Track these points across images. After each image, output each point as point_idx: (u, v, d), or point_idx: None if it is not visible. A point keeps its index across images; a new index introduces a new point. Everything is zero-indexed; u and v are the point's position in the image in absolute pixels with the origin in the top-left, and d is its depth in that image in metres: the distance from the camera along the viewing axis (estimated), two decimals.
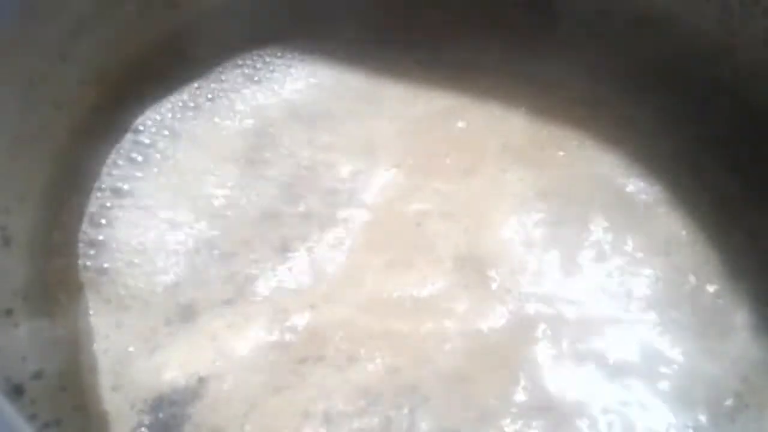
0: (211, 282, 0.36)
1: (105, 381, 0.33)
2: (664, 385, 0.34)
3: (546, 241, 0.38)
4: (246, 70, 0.43)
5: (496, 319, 0.35)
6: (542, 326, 0.35)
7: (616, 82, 0.43)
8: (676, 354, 0.34)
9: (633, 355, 0.34)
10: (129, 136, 0.40)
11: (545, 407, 0.33)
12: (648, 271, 0.37)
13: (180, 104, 0.42)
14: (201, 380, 0.33)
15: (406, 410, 0.33)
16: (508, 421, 0.32)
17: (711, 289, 0.36)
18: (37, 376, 0.31)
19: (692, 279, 0.37)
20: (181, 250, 0.37)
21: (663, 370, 0.34)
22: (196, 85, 0.42)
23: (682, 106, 0.42)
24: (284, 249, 0.37)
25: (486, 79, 0.44)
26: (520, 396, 0.33)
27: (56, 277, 0.35)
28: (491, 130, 0.42)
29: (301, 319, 0.35)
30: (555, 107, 0.42)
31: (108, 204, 0.38)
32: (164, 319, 0.35)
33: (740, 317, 0.36)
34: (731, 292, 0.36)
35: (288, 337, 0.34)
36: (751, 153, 0.40)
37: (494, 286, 0.36)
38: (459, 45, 0.45)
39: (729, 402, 0.33)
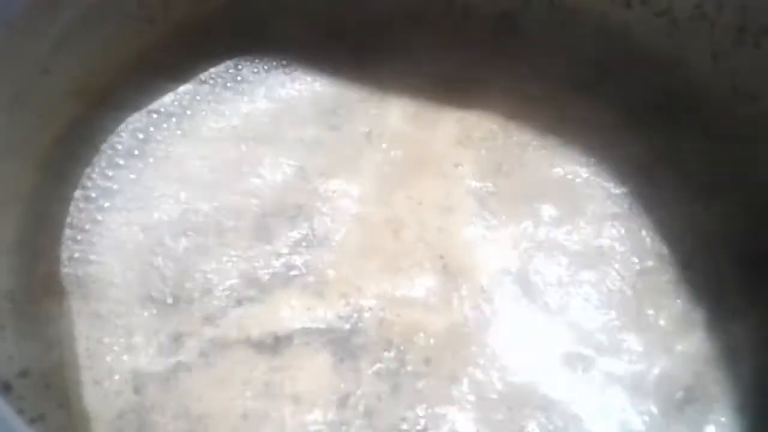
0: (196, 289, 0.38)
1: (86, 377, 0.36)
2: (621, 375, 0.36)
3: (506, 236, 0.40)
4: (227, 80, 0.45)
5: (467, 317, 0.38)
6: (508, 321, 0.38)
7: (577, 89, 0.45)
8: (635, 346, 0.37)
9: (593, 346, 0.37)
10: (111, 145, 0.42)
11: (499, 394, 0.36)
12: (606, 266, 0.39)
13: (161, 113, 0.44)
14: (174, 381, 0.36)
15: None
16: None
17: (670, 288, 0.39)
18: (23, 374, 0.33)
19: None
20: (162, 255, 0.39)
21: (621, 361, 0.37)
22: (176, 94, 0.44)
23: (638, 113, 0.44)
24: (276, 261, 0.39)
25: (454, 87, 0.46)
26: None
27: (40, 281, 0.37)
28: (452, 133, 0.44)
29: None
30: (517, 111, 0.45)
31: (90, 210, 0.40)
32: (145, 322, 0.37)
33: (697, 316, 0.38)
34: (689, 293, 0.39)
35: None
36: (701, 160, 0.42)
37: (469, 285, 0.39)
38: (430, 55, 0.47)
39: (679, 395, 0.36)
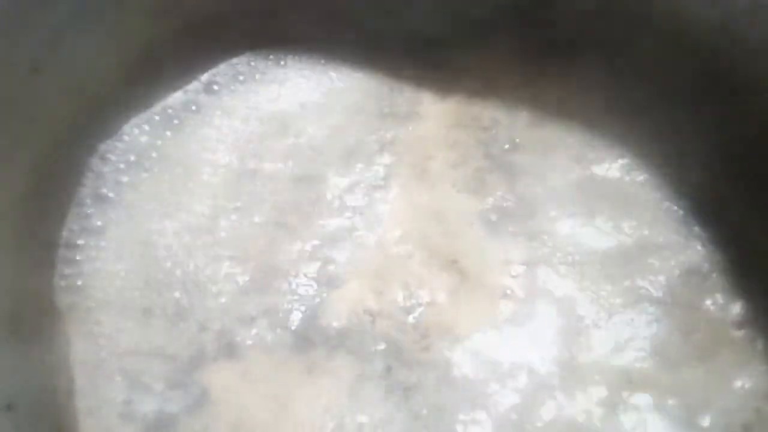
0: (204, 311, 0.35)
1: (81, 405, 0.33)
2: (672, 405, 0.33)
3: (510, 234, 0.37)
4: (237, 77, 0.41)
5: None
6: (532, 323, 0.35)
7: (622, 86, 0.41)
8: (689, 379, 0.34)
9: (641, 376, 0.34)
10: (109, 150, 0.39)
11: None
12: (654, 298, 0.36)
13: (163, 115, 0.40)
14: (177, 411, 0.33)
15: None
16: None
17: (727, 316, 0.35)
18: (10, 407, 0.30)
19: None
20: (161, 271, 0.36)
21: (674, 395, 0.33)
22: (180, 94, 0.41)
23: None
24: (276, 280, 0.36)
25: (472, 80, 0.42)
26: None
27: (31, 301, 0.34)
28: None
29: None
30: (550, 111, 0.41)
31: (87, 221, 0.37)
32: (141, 342, 0.34)
33: (758, 347, 0.34)
34: (748, 322, 0.35)
35: None
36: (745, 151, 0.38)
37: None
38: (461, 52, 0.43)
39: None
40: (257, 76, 0.42)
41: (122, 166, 0.39)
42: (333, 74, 0.42)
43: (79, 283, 0.35)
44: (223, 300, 0.36)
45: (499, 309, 0.35)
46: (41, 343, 0.33)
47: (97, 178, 0.38)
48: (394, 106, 0.41)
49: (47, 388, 0.33)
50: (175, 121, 0.40)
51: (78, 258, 0.36)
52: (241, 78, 0.42)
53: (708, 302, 0.35)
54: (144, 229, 0.37)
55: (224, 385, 0.34)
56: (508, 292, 0.36)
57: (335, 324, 0.35)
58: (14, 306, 0.33)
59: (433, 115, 0.41)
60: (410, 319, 0.35)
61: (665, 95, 0.40)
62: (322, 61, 0.42)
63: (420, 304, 0.36)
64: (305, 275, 0.36)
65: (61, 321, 0.34)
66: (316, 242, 0.37)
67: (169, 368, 0.34)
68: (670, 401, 0.33)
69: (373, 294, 0.36)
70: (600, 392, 0.33)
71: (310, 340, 0.35)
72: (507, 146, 0.40)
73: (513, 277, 0.36)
